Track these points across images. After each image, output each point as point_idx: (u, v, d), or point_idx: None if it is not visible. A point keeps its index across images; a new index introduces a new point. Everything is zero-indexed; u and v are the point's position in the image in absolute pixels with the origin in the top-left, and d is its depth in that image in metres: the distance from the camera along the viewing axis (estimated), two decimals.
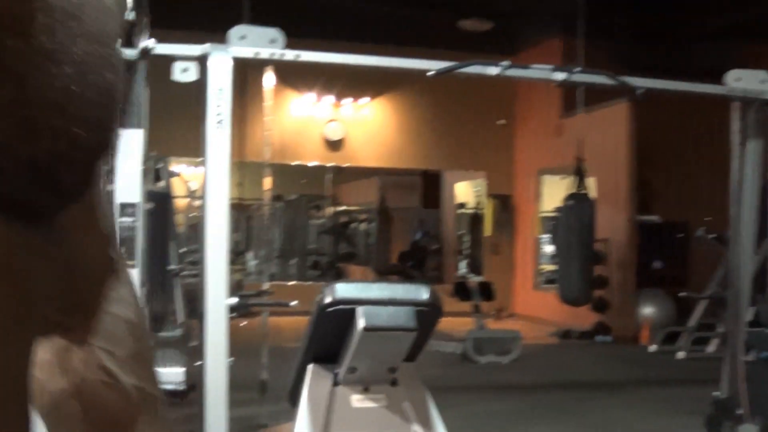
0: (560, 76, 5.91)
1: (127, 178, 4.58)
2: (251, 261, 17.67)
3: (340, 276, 18.90)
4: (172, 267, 8.69)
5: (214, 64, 5.17)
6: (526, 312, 16.43)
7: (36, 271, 0.94)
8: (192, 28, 9.80)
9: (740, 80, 6.28)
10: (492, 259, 17.24)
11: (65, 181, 0.91)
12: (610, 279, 13.62)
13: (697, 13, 13.41)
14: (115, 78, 0.93)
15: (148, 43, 4.33)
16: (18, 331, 0.95)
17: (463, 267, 18.59)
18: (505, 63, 5.68)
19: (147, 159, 10.15)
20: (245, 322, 5.53)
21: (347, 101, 16.39)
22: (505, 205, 17.25)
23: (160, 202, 9.45)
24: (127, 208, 4.56)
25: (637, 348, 12.84)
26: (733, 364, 6.59)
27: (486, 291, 12.03)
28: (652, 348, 12.32)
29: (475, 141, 16.91)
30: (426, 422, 2.61)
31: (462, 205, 19.39)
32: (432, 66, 5.73)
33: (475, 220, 18.19)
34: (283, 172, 17.94)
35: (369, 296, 2.21)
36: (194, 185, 11.90)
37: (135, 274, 4.54)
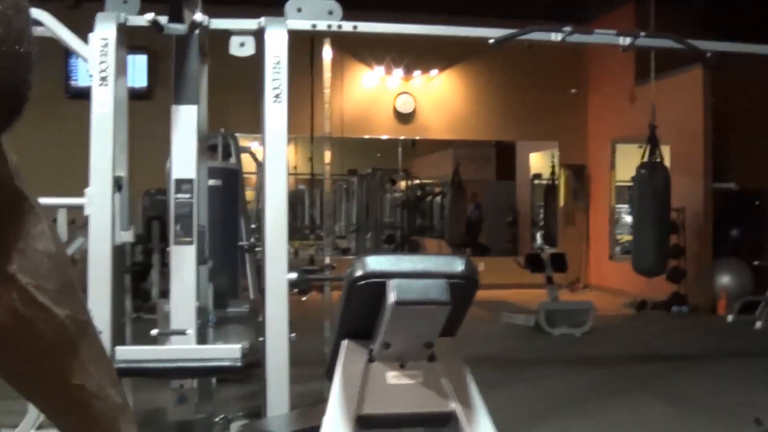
0: (625, 41, 5.79)
1: (181, 154, 4.56)
2: (326, 236, 17.67)
3: (414, 249, 18.88)
4: (243, 243, 8.68)
5: (270, 38, 5.13)
6: (602, 283, 16.26)
7: None
8: (252, 2, 9.73)
9: None
10: (567, 230, 17.08)
11: None
12: (685, 248, 13.41)
13: None
14: (27, 72, 0.99)
15: (196, 17, 4.29)
16: None
17: (538, 239, 18.46)
18: (568, 29, 5.58)
19: (216, 135, 10.23)
20: (305, 298, 5.48)
21: (417, 74, 16.30)
22: (579, 175, 17.05)
23: (229, 179, 9.47)
24: (182, 184, 4.54)
25: (714, 318, 12.64)
26: None
27: (559, 262, 11.90)
28: (730, 318, 12.10)
29: (548, 110, 16.74)
30: (465, 399, 2.53)
31: (537, 176, 19.22)
32: (492, 34, 5.63)
33: (550, 190, 18.00)
34: (357, 146, 17.95)
35: (401, 269, 2.14)
36: None
37: (191, 250, 4.53)
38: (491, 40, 5.54)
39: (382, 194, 19.45)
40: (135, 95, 9.58)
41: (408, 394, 2.35)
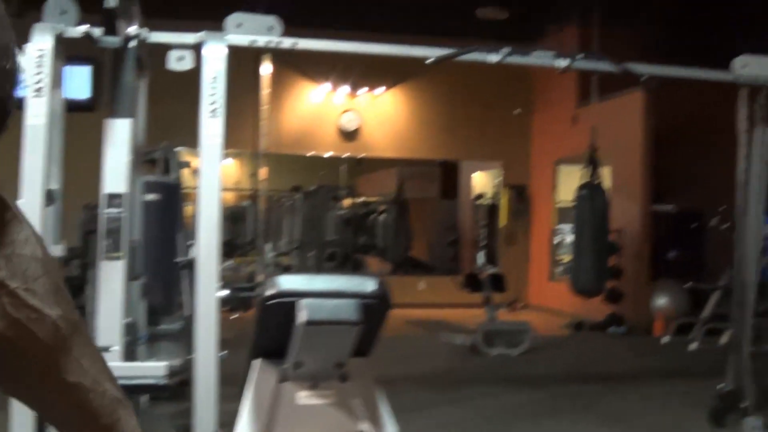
0: (562, 62, 5.83)
1: (113, 169, 4.52)
2: (269, 253, 17.61)
3: (357, 268, 18.84)
4: (180, 259, 8.60)
5: (208, 52, 5.12)
6: (541, 303, 16.34)
7: None
8: (195, 18, 9.70)
9: (747, 66, 6.18)
10: (508, 250, 17.15)
11: None
12: (624, 269, 13.51)
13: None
14: (11, 87, 1.01)
15: (130, 30, 4.26)
16: None
17: (480, 258, 18.52)
18: (506, 50, 5.61)
19: (156, 150, 10.15)
20: (233, 316, 5.46)
21: (363, 91, 16.31)
22: (521, 195, 17.15)
23: (168, 193, 9.40)
24: (113, 199, 4.50)
25: (651, 339, 12.74)
26: (738, 356, 6.51)
27: (497, 282, 11.93)
28: (665, 339, 12.21)
29: (492, 131, 16.81)
30: (376, 420, 2.53)
31: (481, 196, 19.28)
32: (431, 53, 5.65)
33: (492, 210, 18.08)
34: (302, 163, 17.93)
35: (312, 289, 2.14)
36: None
37: (121, 265, 4.49)
38: (429, 60, 5.56)
39: (326, 211, 19.39)
40: (78, 107, 9.51)
41: (319, 415, 2.34)
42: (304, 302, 2.07)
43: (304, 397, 2.31)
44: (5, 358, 1.14)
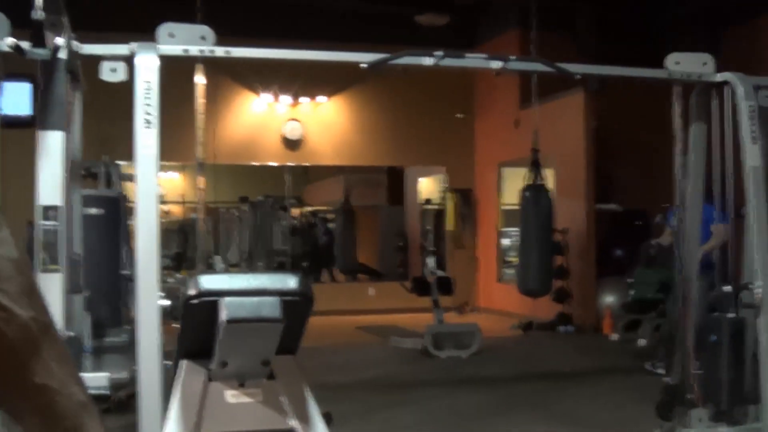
0: (496, 64, 5.87)
1: (48, 181, 4.49)
2: (219, 264, 17.57)
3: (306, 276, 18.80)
4: (125, 272, 8.55)
5: (140, 63, 5.10)
6: (491, 305, 16.42)
7: None
8: (131, 29, 9.65)
9: (679, 63, 6.24)
10: (455, 254, 17.20)
11: None
12: (570, 269, 13.61)
13: (661, 1, 13.42)
14: None
15: (57, 41, 4.24)
16: None
17: (428, 262, 18.54)
18: (440, 53, 5.63)
19: (97, 163, 10.09)
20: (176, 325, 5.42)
21: (305, 100, 16.31)
22: (466, 198, 17.22)
23: (110, 207, 9.35)
24: (48, 211, 4.47)
25: (599, 337, 12.84)
26: (682, 350, 6.56)
27: (445, 286, 11.99)
28: (614, 337, 12.30)
29: (436, 136, 16.87)
30: (303, 416, 2.54)
31: (428, 201, 19.33)
32: (366, 58, 5.67)
33: (439, 215, 18.15)
34: (249, 173, 17.92)
35: (233, 287, 2.15)
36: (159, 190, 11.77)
37: (58, 278, 4.46)
38: (364, 65, 5.57)
39: (274, 221, 19.36)
40: (18, 123, 9.44)
41: (247, 413, 2.34)
42: (225, 301, 2.08)
43: (232, 395, 2.32)
44: None
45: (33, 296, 1.23)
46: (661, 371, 8.87)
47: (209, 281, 2.16)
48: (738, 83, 6.05)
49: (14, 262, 1.21)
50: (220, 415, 2.28)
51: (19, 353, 1.20)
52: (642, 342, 11.55)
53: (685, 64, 6.25)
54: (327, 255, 19.48)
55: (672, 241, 9.41)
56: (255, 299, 2.12)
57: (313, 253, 19.66)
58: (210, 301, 2.09)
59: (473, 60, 5.91)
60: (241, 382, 2.27)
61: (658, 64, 6.27)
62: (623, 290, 13.22)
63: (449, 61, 5.70)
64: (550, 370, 10.60)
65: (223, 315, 2.11)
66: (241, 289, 2.14)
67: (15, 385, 1.22)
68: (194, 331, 2.16)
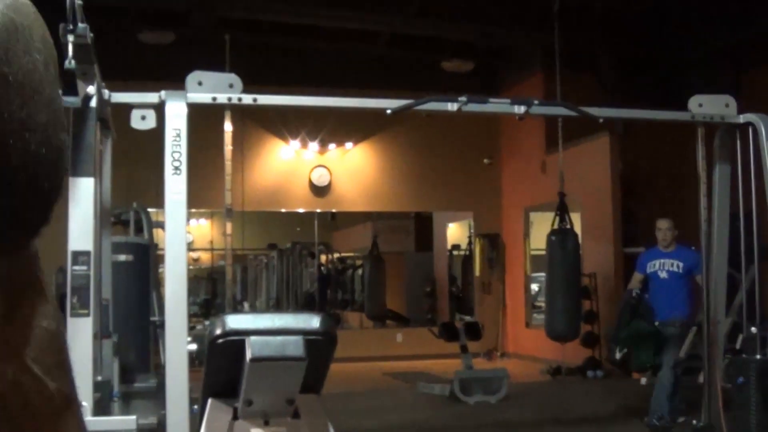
0: (519, 109, 5.92)
1: (78, 226, 4.56)
2: (247, 310, 17.66)
3: (335, 323, 18.82)
4: (155, 318, 8.61)
5: (170, 111, 5.18)
6: (519, 350, 16.36)
7: None
8: (159, 78, 9.79)
9: (702, 105, 6.28)
10: (483, 299, 17.18)
11: (32, 224, 1.04)
12: (598, 313, 13.57)
13: (681, 41, 13.46)
14: (66, 137, 1.03)
15: (88, 90, 4.33)
16: None
17: (456, 308, 18.54)
18: (463, 99, 5.69)
19: (127, 210, 10.18)
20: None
21: (332, 147, 16.40)
22: (494, 243, 17.22)
23: (140, 254, 9.43)
24: (79, 257, 4.54)
25: (629, 381, 12.75)
26: (710, 392, 6.55)
27: (473, 331, 11.98)
28: (643, 381, 12.21)
29: (463, 181, 16.90)
30: None
31: (456, 247, 19.35)
32: (391, 105, 5.74)
33: (467, 260, 18.15)
34: (277, 220, 18.00)
35: (258, 326, 2.19)
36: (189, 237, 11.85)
37: (88, 322, 4.52)
38: (389, 110, 5.64)
39: (302, 268, 19.43)
40: None
41: None
42: (250, 340, 2.13)
43: None
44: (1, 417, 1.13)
45: (63, 369, 1.19)
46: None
47: (235, 321, 2.21)
48: (761, 124, 6.08)
49: (53, 335, 1.18)
50: None
51: (39, 422, 1.16)
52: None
53: (708, 105, 6.29)
54: (355, 301, 19.53)
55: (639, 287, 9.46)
56: (279, 338, 2.16)
57: (342, 299, 19.71)
58: (236, 340, 2.13)
59: (497, 105, 5.97)
60: (266, 420, 2.30)
61: (681, 103, 6.30)
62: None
63: (473, 107, 5.76)
64: (580, 415, 10.55)
65: (249, 353, 2.15)
66: (265, 328, 2.18)
67: None
68: (220, 370, 2.21)
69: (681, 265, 9.14)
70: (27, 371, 1.11)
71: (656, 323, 9.19)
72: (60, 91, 1.15)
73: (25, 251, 1.15)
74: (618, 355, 9.98)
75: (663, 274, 9.25)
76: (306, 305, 18.63)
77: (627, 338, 9.43)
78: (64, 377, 1.17)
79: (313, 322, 2.24)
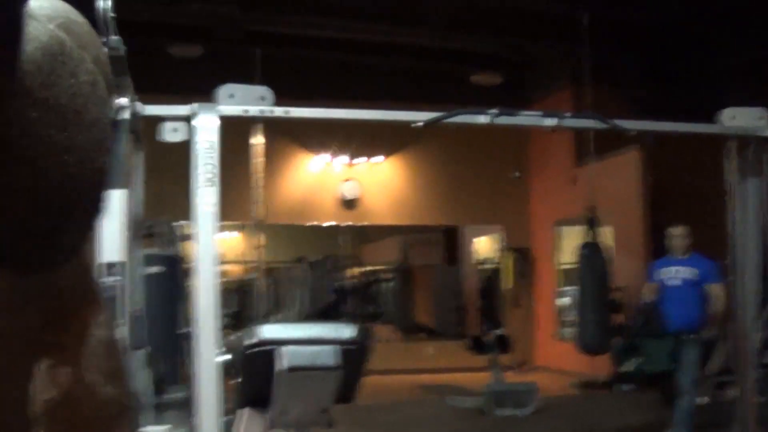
0: (551, 122, 5.90)
1: (110, 238, 4.58)
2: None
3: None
4: (183, 330, 8.64)
5: (201, 123, 5.21)
6: (549, 364, 16.30)
7: (32, 304, 1.20)
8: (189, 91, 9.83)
9: (735, 118, 6.24)
10: (513, 312, 17.14)
11: (68, 244, 1.16)
12: (629, 326, 13.49)
13: (710, 54, 13.41)
14: (108, 159, 1.13)
15: (120, 101, 4.36)
16: (18, 353, 1.21)
17: (485, 322, 18.50)
18: (494, 111, 5.69)
19: (157, 223, 10.23)
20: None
21: (362, 160, 16.42)
22: (523, 257, 17.18)
23: (170, 266, 9.49)
24: (111, 268, 4.56)
25: (659, 395, 12.67)
26: (743, 407, 6.51)
27: (502, 344, 11.96)
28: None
29: (492, 195, 16.89)
30: None
31: (485, 260, 19.33)
32: (421, 117, 5.74)
33: (496, 273, 18.11)
34: (307, 233, 18.02)
35: (292, 336, 2.19)
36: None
37: (121, 333, 4.54)
38: (419, 123, 5.64)
39: (332, 281, 19.45)
40: None
41: None
42: (283, 349, 2.13)
43: None
44: (53, 421, 1.25)
45: (117, 377, 1.33)
46: None
47: (269, 330, 2.22)
48: None
49: (108, 344, 1.32)
50: None
51: (92, 428, 1.29)
52: (703, 399, 11.42)
53: (741, 118, 6.25)
54: (385, 313, 19.52)
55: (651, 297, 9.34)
56: (313, 348, 2.17)
57: (372, 312, 19.71)
58: (269, 350, 2.14)
59: (528, 118, 5.96)
60: (300, 429, 2.30)
61: (711, 114, 6.26)
62: None
63: (504, 119, 5.75)
64: (610, 428, 10.50)
65: (283, 363, 2.16)
66: (299, 338, 2.19)
67: None
68: (254, 379, 2.21)
69: (696, 272, 9.06)
70: (80, 380, 1.25)
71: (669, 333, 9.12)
72: (109, 111, 1.16)
73: (74, 263, 1.28)
74: (630, 367, 9.95)
75: (676, 282, 9.16)
76: (335, 317, 18.65)
77: (638, 345, 9.39)
78: (118, 386, 1.31)
79: (346, 331, 2.24)
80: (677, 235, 9.29)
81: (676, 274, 9.19)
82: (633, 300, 13.56)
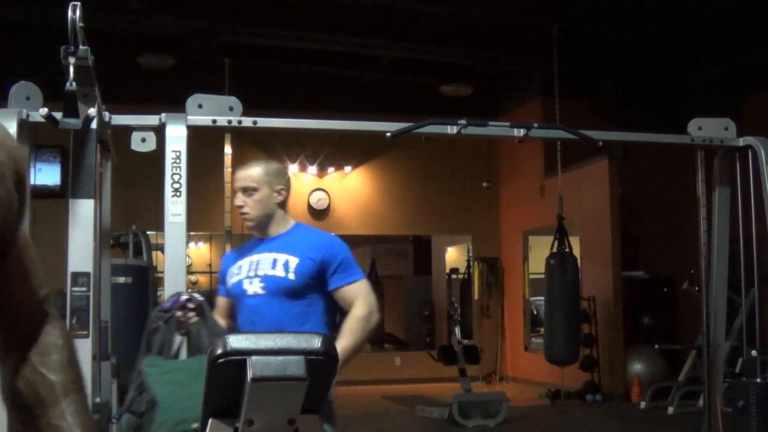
0: (519, 132, 5.92)
1: (78, 248, 4.56)
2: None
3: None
4: None
5: (170, 133, 5.19)
6: (518, 374, 16.34)
7: None
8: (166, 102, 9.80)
9: (701, 129, 6.27)
10: (482, 323, 17.15)
11: None
12: (597, 336, 13.56)
13: (681, 66, 13.51)
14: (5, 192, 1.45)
15: (89, 111, 4.34)
16: None
17: (456, 332, 18.53)
18: (462, 122, 5.69)
19: (126, 233, 10.17)
20: None
21: (331, 170, 16.42)
22: (492, 267, 17.21)
23: (139, 276, 9.45)
24: (78, 278, 4.53)
25: (628, 405, 12.75)
26: (711, 416, 6.53)
27: (471, 354, 11.97)
28: (643, 405, 12.23)
29: (461, 205, 16.91)
30: None
31: (454, 270, 19.35)
32: (390, 128, 5.74)
33: (465, 283, 18.13)
34: None
35: (259, 346, 2.20)
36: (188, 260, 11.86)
37: (87, 343, 4.52)
38: (388, 133, 5.64)
39: None
40: (48, 193, 9.55)
41: None
42: (251, 359, 2.13)
43: None
44: (18, 403, 1.64)
45: (68, 369, 1.69)
46: None
47: (236, 341, 2.21)
48: (761, 147, 6.07)
49: (59, 347, 1.71)
50: None
51: (44, 404, 1.63)
52: (671, 409, 11.51)
53: (708, 129, 6.28)
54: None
55: None
56: (281, 358, 2.17)
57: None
58: (236, 360, 2.14)
59: (496, 128, 5.97)
60: None
61: (681, 128, 6.30)
62: (652, 357, 13.19)
63: (472, 130, 5.75)
64: None
65: (250, 373, 2.16)
66: (267, 348, 2.19)
67: (36, 426, 1.63)
68: (220, 390, 2.21)
69: None
70: (36, 372, 1.63)
71: None
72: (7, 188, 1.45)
73: (23, 283, 1.65)
74: None
75: None
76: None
77: None
78: (69, 373, 1.67)
79: (314, 342, 2.24)
80: None
81: None
82: (602, 310, 13.65)
